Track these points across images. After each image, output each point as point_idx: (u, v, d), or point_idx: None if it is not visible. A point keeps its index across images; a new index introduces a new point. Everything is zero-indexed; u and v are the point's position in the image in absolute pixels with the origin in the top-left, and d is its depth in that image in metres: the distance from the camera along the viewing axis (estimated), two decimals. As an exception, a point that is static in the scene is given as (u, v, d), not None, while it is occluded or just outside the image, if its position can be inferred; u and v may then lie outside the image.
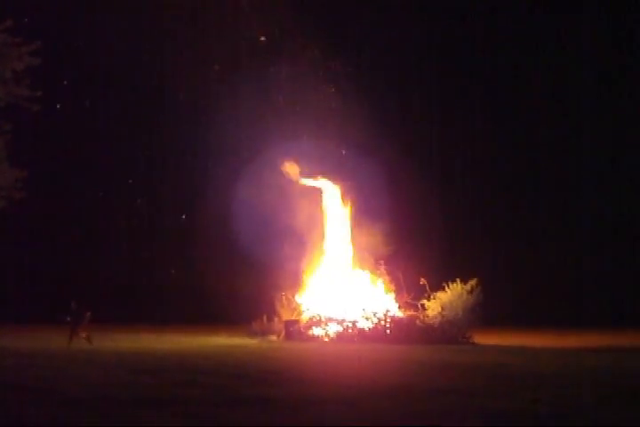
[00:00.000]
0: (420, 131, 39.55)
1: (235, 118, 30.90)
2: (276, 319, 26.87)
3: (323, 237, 28.47)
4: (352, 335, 24.88)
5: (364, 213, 28.12)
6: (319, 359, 18.15)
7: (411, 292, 26.34)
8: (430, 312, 25.59)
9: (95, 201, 38.96)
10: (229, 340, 24.93)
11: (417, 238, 34.76)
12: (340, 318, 25.51)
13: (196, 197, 37.90)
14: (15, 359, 16.18)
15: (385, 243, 27.05)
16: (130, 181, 38.47)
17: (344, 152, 29.69)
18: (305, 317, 26.23)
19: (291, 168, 27.89)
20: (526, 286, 38.88)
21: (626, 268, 40.92)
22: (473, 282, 25.44)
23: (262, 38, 29.79)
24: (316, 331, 25.47)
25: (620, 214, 41.99)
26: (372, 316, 25.20)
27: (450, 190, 40.23)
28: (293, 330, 25.67)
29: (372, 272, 27.41)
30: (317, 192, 28.90)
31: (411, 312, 25.93)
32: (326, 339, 25.04)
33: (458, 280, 25.63)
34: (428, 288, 25.85)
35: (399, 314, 25.89)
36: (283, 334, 25.92)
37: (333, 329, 25.30)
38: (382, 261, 27.17)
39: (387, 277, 27.01)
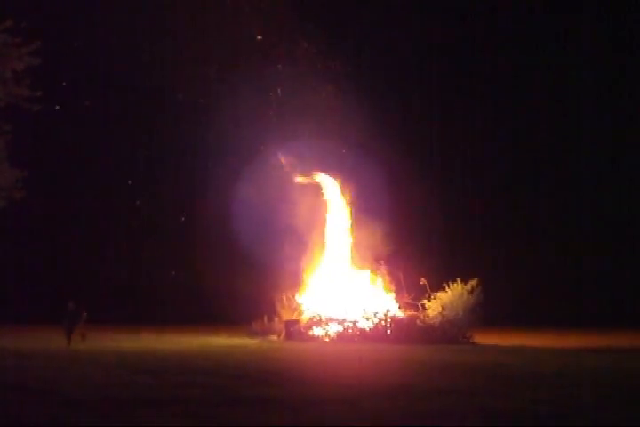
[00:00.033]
0: (420, 131, 39.57)
1: (234, 118, 30.89)
2: (276, 319, 26.87)
3: (323, 236, 28.50)
4: (352, 335, 24.88)
5: (364, 212, 28.13)
6: (320, 359, 18.14)
7: (411, 292, 26.35)
8: (431, 312, 25.60)
9: (95, 201, 39.00)
10: (229, 340, 24.93)
11: (417, 238, 34.80)
12: (340, 318, 25.50)
13: (196, 197, 37.92)
14: (16, 360, 16.19)
15: (385, 242, 27.06)
16: (130, 181, 38.49)
17: (344, 151, 29.69)
18: (305, 317, 26.23)
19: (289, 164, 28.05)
20: (526, 286, 38.91)
21: (626, 268, 40.96)
22: (473, 282, 25.46)
23: (259, 37, 29.78)
24: (317, 331, 25.46)
25: (620, 214, 42.02)
26: (373, 316, 25.20)
27: (450, 190, 40.26)
28: (294, 330, 25.67)
29: (373, 272, 27.43)
30: (318, 191, 28.92)
31: (411, 312, 25.94)
32: (327, 339, 25.04)
33: (458, 280, 25.65)
34: (428, 288, 25.87)
35: (400, 314, 25.89)
36: (283, 334, 25.92)
37: (334, 329, 25.29)
38: (383, 261, 27.19)
39: (387, 277, 27.03)
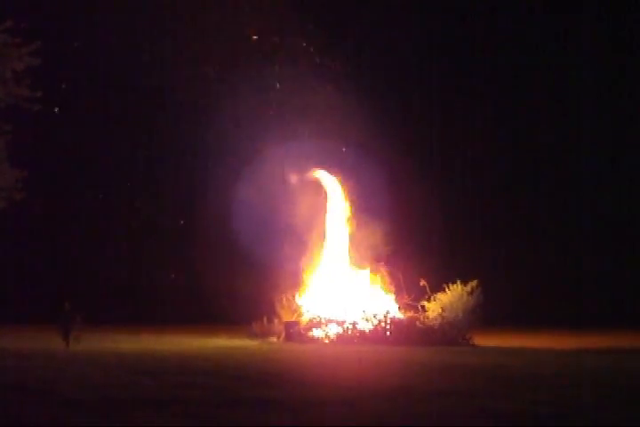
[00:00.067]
0: (420, 131, 39.55)
1: (234, 118, 30.90)
2: (276, 321, 26.82)
3: (322, 236, 28.47)
4: (352, 337, 24.85)
5: (364, 211, 28.11)
6: (319, 361, 18.14)
7: (411, 293, 26.32)
8: (430, 314, 25.57)
9: (95, 201, 38.98)
10: (229, 341, 24.91)
11: (417, 239, 34.77)
12: (340, 319, 25.48)
13: (196, 197, 37.90)
14: (16, 360, 16.19)
15: (385, 242, 27.03)
16: (129, 181, 38.48)
17: (344, 150, 29.67)
18: (305, 318, 26.20)
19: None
20: (526, 287, 38.88)
21: (626, 268, 40.93)
22: (473, 283, 25.44)
23: (254, 37, 29.78)
24: (317, 332, 25.42)
25: (620, 214, 42.00)
26: (373, 317, 25.18)
27: (450, 190, 40.23)
28: (293, 331, 25.63)
29: (373, 273, 27.40)
30: (318, 190, 28.89)
31: (411, 314, 25.90)
32: (326, 340, 25.01)
33: (458, 281, 25.62)
34: (428, 289, 25.85)
35: (399, 315, 25.86)
36: (283, 335, 25.88)
37: (333, 331, 25.26)
38: (382, 262, 27.17)
39: (387, 279, 27.00)
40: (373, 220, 27.33)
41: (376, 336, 24.63)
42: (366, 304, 25.94)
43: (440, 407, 9.46)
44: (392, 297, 26.76)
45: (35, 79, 19.75)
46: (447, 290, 25.61)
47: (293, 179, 28.25)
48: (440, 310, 25.44)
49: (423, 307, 25.86)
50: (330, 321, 25.49)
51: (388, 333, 24.89)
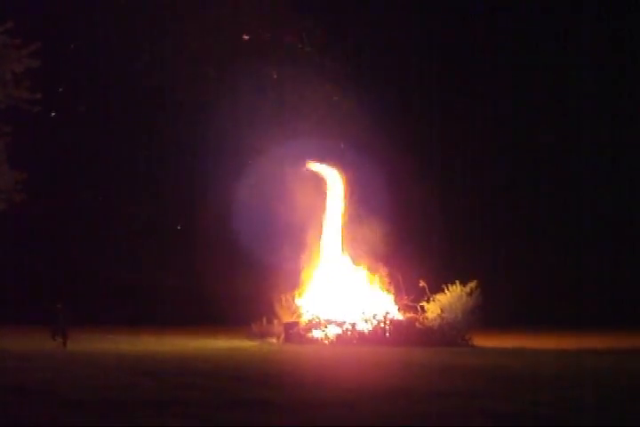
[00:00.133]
0: (420, 131, 39.52)
1: (234, 118, 30.87)
2: (275, 321, 26.84)
3: (321, 236, 28.45)
4: (351, 338, 24.85)
5: (363, 211, 28.10)
6: (319, 362, 18.14)
7: (410, 294, 26.33)
8: (430, 314, 25.58)
9: (95, 202, 38.97)
10: (229, 342, 24.91)
11: (417, 240, 34.76)
12: (339, 320, 25.48)
13: (196, 197, 37.89)
14: (15, 361, 16.19)
15: (383, 240, 27.02)
16: (130, 181, 38.46)
17: (342, 146, 29.62)
18: (304, 319, 26.20)
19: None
20: (526, 288, 38.88)
21: (626, 268, 40.93)
22: (472, 284, 25.45)
23: (246, 37, 29.78)
24: (316, 333, 25.43)
25: (620, 214, 42.00)
26: (372, 318, 25.19)
27: (450, 190, 40.23)
28: (293, 332, 25.64)
29: (372, 274, 27.40)
30: (317, 189, 28.89)
31: (410, 314, 25.92)
32: (326, 341, 25.01)
33: (457, 282, 25.63)
34: (427, 290, 25.85)
35: (399, 316, 25.88)
36: (282, 336, 25.89)
37: (333, 331, 25.27)
38: (382, 263, 27.17)
39: (386, 279, 27.01)
40: (373, 219, 27.33)
41: (375, 337, 24.63)
42: (366, 305, 25.94)
43: (440, 408, 9.45)
44: (391, 298, 26.77)
45: (34, 80, 19.73)
46: (446, 291, 25.62)
47: (294, 173, 28.25)
48: (439, 311, 25.45)
49: (422, 308, 25.87)
50: (329, 322, 25.50)
51: (387, 334, 24.90)
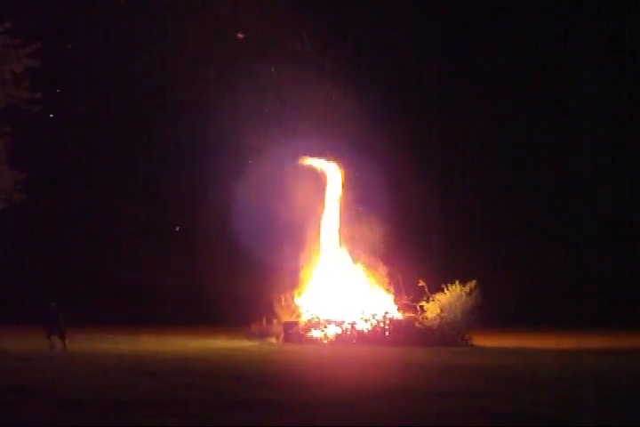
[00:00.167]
0: (420, 131, 39.52)
1: (234, 117, 30.87)
2: (275, 321, 26.84)
3: (321, 235, 28.45)
4: (351, 337, 24.85)
5: (364, 210, 28.09)
6: (318, 362, 18.14)
7: (410, 293, 26.33)
8: (429, 314, 25.58)
9: (95, 202, 38.98)
10: (229, 342, 24.91)
11: (417, 239, 34.76)
12: (338, 319, 25.48)
13: (196, 197, 37.90)
14: (15, 361, 16.19)
15: (384, 240, 27.02)
16: (130, 181, 38.48)
17: (342, 144, 29.62)
18: (304, 319, 26.21)
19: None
20: (526, 287, 38.89)
21: (626, 268, 40.93)
22: (471, 284, 25.45)
23: (240, 35, 29.79)
24: (315, 333, 25.43)
25: (620, 214, 42.01)
26: (371, 318, 25.19)
27: (450, 190, 40.24)
28: (292, 332, 25.64)
29: (371, 273, 27.40)
30: (317, 182, 28.88)
31: (410, 314, 25.92)
32: (325, 341, 25.01)
33: (457, 282, 25.63)
34: (427, 290, 25.85)
35: (398, 316, 25.87)
36: (282, 336, 25.89)
37: (332, 331, 25.27)
38: (381, 263, 27.17)
39: (386, 279, 27.01)
40: (373, 218, 27.33)
41: (375, 337, 24.63)
42: (365, 305, 25.94)
43: (440, 408, 9.45)
44: (391, 297, 26.77)
45: (34, 80, 19.72)
46: (446, 291, 25.62)
47: (293, 171, 28.25)
48: (439, 311, 25.45)
49: (422, 307, 25.87)
50: (329, 322, 25.49)
51: (386, 333, 24.90)
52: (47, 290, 34.33)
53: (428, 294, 25.74)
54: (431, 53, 38.99)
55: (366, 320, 25.10)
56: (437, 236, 38.70)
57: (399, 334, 24.71)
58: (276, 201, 28.07)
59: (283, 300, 26.96)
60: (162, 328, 30.49)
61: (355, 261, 27.88)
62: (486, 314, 25.39)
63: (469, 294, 25.37)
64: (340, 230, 28.40)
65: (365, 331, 24.96)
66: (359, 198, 28.72)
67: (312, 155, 28.75)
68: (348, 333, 25.03)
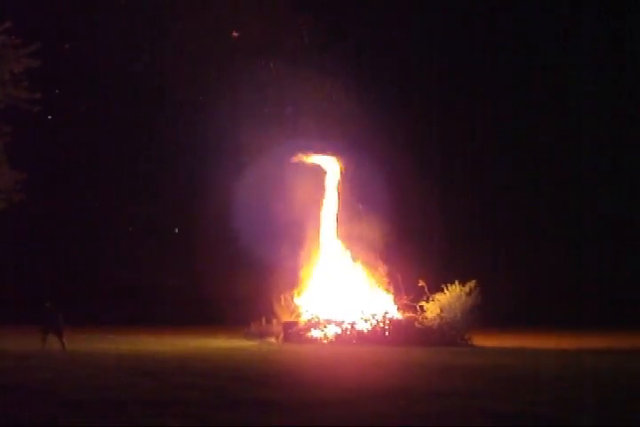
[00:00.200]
0: (420, 130, 39.52)
1: (234, 117, 30.88)
2: (274, 321, 26.84)
3: (320, 233, 28.44)
4: (351, 337, 24.84)
5: (363, 209, 28.09)
6: (318, 362, 18.13)
7: (409, 293, 26.33)
8: (429, 314, 25.57)
9: (95, 202, 38.99)
10: (228, 342, 24.91)
11: (417, 239, 34.77)
12: (338, 319, 25.47)
13: (196, 197, 37.90)
14: (15, 361, 16.19)
15: (383, 240, 27.01)
16: (130, 182, 38.48)
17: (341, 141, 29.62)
18: (304, 318, 26.20)
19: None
20: (526, 287, 38.89)
21: (626, 268, 40.93)
22: (471, 284, 25.45)
23: (235, 34, 29.80)
24: (315, 333, 25.43)
25: (620, 214, 42.01)
26: (371, 318, 25.18)
27: (450, 190, 40.24)
28: (292, 332, 25.63)
29: (371, 273, 27.39)
30: (316, 186, 28.87)
31: (409, 314, 25.91)
32: (325, 341, 25.00)
33: (456, 282, 25.63)
34: (426, 290, 25.84)
35: (398, 316, 25.87)
36: (281, 336, 25.88)
37: (332, 331, 25.26)
38: (381, 262, 27.16)
39: (386, 279, 27.00)
40: (373, 218, 27.32)
41: (375, 337, 24.62)
42: (365, 305, 25.93)
43: (440, 408, 9.45)
44: (391, 297, 26.76)
45: (34, 80, 19.72)
46: (446, 291, 25.61)
47: (293, 170, 28.24)
48: (439, 311, 25.44)
49: (422, 307, 25.86)
50: (328, 321, 25.49)
51: (386, 333, 24.89)
52: (47, 290, 34.37)
53: (428, 293, 25.74)
54: (431, 53, 39.02)
55: (366, 320, 25.09)
56: (437, 236, 38.70)
57: (399, 334, 24.70)
58: (276, 201, 28.07)
59: (282, 299, 26.95)
60: (162, 328, 30.49)
61: (354, 260, 27.87)
62: (486, 314, 25.38)
63: (469, 293, 25.36)
64: (339, 230, 28.39)
65: (365, 331, 24.96)
66: (359, 198, 28.71)
67: (311, 151, 28.74)
68: (348, 333, 25.02)
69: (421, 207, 37.00)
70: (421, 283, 25.70)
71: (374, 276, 27.26)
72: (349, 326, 25.06)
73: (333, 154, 28.81)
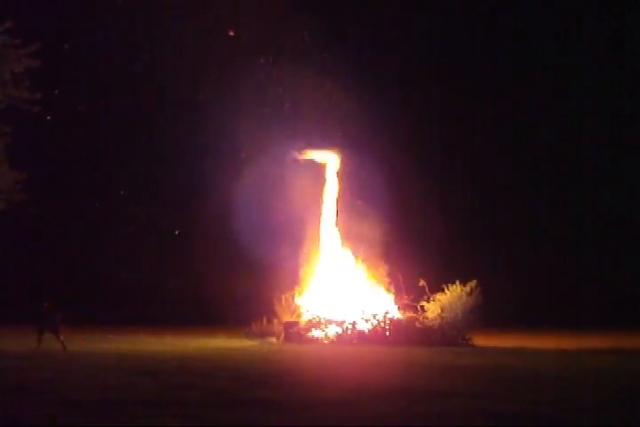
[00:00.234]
0: (420, 130, 39.53)
1: (234, 118, 30.88)
2: (275, 321, 26.83)
3: (320, 232, 28.43)
4: (351, 337, 24.84)
5: (363, 209, 28.08)
6: (319, 362, 18.13)
7: (410, 293, 26.32)
8: (430, 314, 25.57)
9: (95, 202, 38.98)
10: (228, 342, 24.91)
11: (417, 239, 34.77)
12: (339, 319, 25.47)
13: (196, 197, 37.90)
14: (15, 361, 16.19)
15: (384, 240, 27.01)
16: (130, 182, 38.48)
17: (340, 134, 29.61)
18: (304, 318, 26.20)
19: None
20: (526, 287, 38.88)
21: (626, 268, 40.93)
22: (472, 284, 25.45)
23: (231, 33, 29.81)
24: (316, 333, 25.42)
25: (620, 214, 42.01)
26: (372, 317, 25.18)
27: (449, 190, 40.24)
28: (293, 332, 25.63)
29: (372, 273, 27.39)
30: (315, 185, 28.86)
31: (410, 314, 25.91)
32: (326, 341, 25.00)
33: (457, 282, 25.63)
34: (427, 290, 25.84)
35: (399, 316, 25.87)
36: (282, 335, 25.87)
37: (333, 331, 25.26)
38: (382, 262, 27.15)
39: (386, 279, 27.00)
40: (373, 218, 27.31)
41: (375, 337, 24.62)
42: (366, 304, 25.92)
43: (440, 408, 9.44)
44: (391, 297, 26.76)
45: (34, 80, 19.72)
46: (446, 290, 25.61)
47: (293, 169, 28.23)
48: (439, 311, 25.44)
49: (422, 307, 25.85)
50: (329, 321, 25.48)
51: (387, 333, 24.88)
52: (47, 290, 34.36)
53: (429, 293, 25.74)
54: (431, 53, 39.03)
55: (367, 320, 25.08)
56: (437, 235, 38.69)
57: (400, 333, 24.70)
58: (276, 200, 28.07)
59: (283, 299, 26.95)
60: (162, 328, 30.47)
61: (355, 260, 27.87)
62: (487, 314, 25.38)
63: (470, 293, 25.36)
64: (339, 229, 28.39)
65: (366, 331, 24.95)
66: (359, 197, 28.71)
67: (311, 147, 28.74)
68: (349, 332, 25.02)
69: (421, 207, 37.00)
70: (422, 283, 25.70)
71: (375, 276, 27.25)
72: (350, 326, 25.06)
73: (333, 148, 28.79)
